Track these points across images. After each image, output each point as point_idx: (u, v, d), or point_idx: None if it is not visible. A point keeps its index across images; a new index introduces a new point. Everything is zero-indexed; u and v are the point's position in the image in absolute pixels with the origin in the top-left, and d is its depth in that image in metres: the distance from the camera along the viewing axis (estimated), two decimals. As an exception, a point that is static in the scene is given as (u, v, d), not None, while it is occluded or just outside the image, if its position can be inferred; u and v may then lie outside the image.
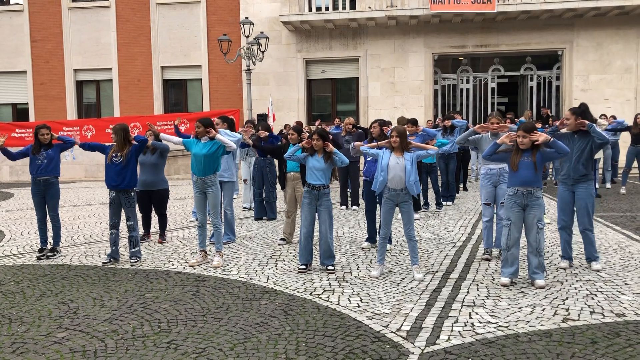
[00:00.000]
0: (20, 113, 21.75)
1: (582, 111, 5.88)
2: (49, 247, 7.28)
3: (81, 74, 21.24)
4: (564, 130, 5.94)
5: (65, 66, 21.04)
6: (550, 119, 13.74)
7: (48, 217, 7.25)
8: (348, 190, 10.93)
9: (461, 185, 13.37)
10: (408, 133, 6.42)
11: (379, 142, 6.27)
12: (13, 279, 6.10)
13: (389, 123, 7.87)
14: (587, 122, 5.73)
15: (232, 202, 8.09)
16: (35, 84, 21.22)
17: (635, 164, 12.34)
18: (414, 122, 9.24)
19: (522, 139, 5.33)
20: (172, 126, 17.01)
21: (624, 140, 14.31)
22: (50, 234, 7.29)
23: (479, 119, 19.07)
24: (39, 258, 7.08)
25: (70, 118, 20.72)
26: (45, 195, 7.14)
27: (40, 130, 7.13)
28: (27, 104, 21.43)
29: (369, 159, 7.23)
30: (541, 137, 5.31)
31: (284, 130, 10.75)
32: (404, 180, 5.78)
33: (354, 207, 10.62)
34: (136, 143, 6.80)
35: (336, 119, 15.73)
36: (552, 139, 5.36)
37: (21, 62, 21.23)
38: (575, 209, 6.00)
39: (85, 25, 20.87)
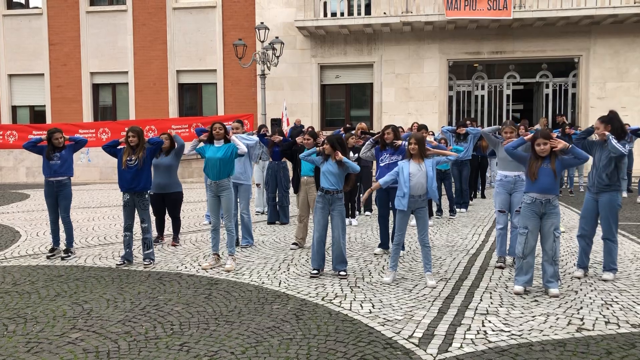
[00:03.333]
0: (37, 115, 22.02)
1: (610, 118, 5.77)
2: (60, 247, 7.37)
3: (97, 77, 21.47)
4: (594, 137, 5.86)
5: (82, 69, 21.28)
6: (567, 127, 13.61)
7: (60, 219, 7.34)
8: (361, 195, 10.90)
9: (479, 192, 13.30)
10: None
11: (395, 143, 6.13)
12: (28, 279, 6.16)
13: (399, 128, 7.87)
14: (607, 133, 5.65)
15: (249, 205, 8.11)
16: (53, 87, 21.48)
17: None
18: (420, 127, 9.22)
19: (543, 147, 5.30)
20: (189, 130, 17.13)
21: (641, 148, 14.15)
22: (63, 235, 7.37)
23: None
24: (48, 257, 7.17)
25: (86, 120, 20.92)
26: (58, 196, 7.23)
27: (54, 135, 7.19)
28: (44, 106, 21.70)
29: (381, 164, 7.21)
30: (560, 144, 5.28)
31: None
32: (425, 186, 5.77)
33: (367, 213, 10.60)
34: (150, 145, 6.86)
35: (348, 125, 15.67)
36: (570, 146, 5.32)
37: (39, 65, 21.51)
38: (598, 218, 5.92)
39: (102, 29, 21.10)
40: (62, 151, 7.22)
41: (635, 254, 7.06)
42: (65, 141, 7.32)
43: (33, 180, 20.13)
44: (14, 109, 22.18)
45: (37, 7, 21.69)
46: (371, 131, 11.58)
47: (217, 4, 20.33)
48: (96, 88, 21.66)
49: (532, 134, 5.65)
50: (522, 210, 5.51)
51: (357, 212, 10.35)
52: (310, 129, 9.10)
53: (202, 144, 6.86)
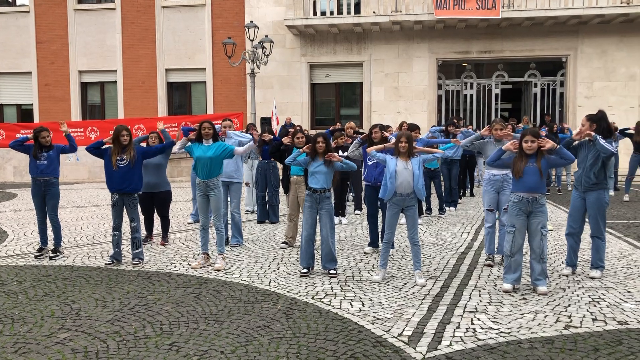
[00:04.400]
0: (24, 114, 21.84)
1: (599, 118, 5.80)
2: (48, 247, 7.31)
3: (86, 75, 21.34)
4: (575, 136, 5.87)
5: (70, 68, 21.13)
6: (555, 126, 13.72)
7: (48, 218, 7.28)
8: (351, 195, 10.92)
9: (467, 191, 13.37)
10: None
11: (385, 145, 6.25)
12: (16, 279, 6.11)
13: (388, 127, 7.90)
14: (593, 133, 5.67)
15: (240, 204, 8.10)
16: (40, 85, 21.32)
17: (638, 171, 12.33)
18: (413, 127, 9.23)
19: (531, 144, 5.33)
20: (178, 129, 17.06)
21: (628, 147, 14.32)
22: (51, 235, 7.31)
23: (482, 125, 19.08)
24: (36, 257, 7.12)
25: (75, 119, 20.78)
26: (45, 196, 7.16)
27: (41, 134, 7.12)
28: (31, 104, 21.53)
29: (369, 163, 7.23)
30: (548, 143, 5.32)
31: (250, 131, 10.69)
32: (412, 185, 5.79)
33: (357, 212, 10.61)
34: (143, 147, 6.84)
35: (338, 124, 15.70)
36: (558, 146, 5.36)
37: (26, 63, 21.33)
38: (586, 215, 5.97)
39: (90, 27, 20.96)
40: (49, 151, 7.15)
41: (622, 252, 7.13)
42: (65, 141, 7.25)
43: (20, 179, 19.96)
44: (1, 107, 21.99)
45: (24, 5, 21.51)
46: (360, 130, 11.60)
47: (206, 2, 20.27)
48: (84, 86, 21.52)
49: (519, 132, 5.68)
50: (510, 208, 5.54)
51: (356, 212, 10.38)
52: (298, 128, 9.08)
53: (189, 143, 6.82)
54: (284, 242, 7.70)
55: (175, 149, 7.16)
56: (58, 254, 7.19)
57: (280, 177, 9.86)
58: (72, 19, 21.03)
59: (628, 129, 12.74)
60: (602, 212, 5.86)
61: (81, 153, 19.07)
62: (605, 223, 5.96)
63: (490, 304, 5.02)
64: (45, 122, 17.64)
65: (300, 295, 5.34)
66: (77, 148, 7.55)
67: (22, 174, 19.92)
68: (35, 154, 7.09)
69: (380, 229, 7.25)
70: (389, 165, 5.86)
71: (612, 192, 13.29)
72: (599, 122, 5.77)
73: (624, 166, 13.49)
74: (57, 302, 5.21)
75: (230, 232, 7.90)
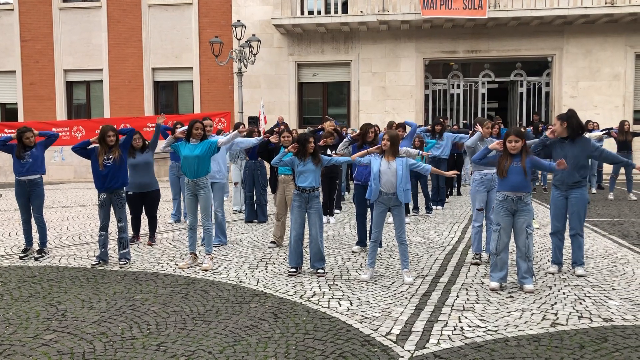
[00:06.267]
0: (9, 113, 21.59)
1: (569, 117, 5.91)
2: (34, 247, 7.24)
3: (71, 74, 21.13)
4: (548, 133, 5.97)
5: (55, 66, 20.92)
6: (540, 125, 13.83)
7: (33, 218, 7.21)
8: (342, 193, 10.91)
9: (454, 190, 13.44)
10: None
11: (369, 150, 6.23)
12: (0, 280, 6.04)
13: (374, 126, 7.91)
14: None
15: (223, 204, 8.08)
16: (25, 84, 21.09)
17: (622, 170, 12.47)
18: (399, 126, 9.25)
19: (515, 144, 5.38)
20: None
21: (612, 146, 14.46)
22: (36, 235, 7.24)
23: (469, 124, 19.17)
24: (21, 258, 7.05)
25: (60, 119, 20.58)
26: (30, 196, 7.09)
27: (24, 134, 7.04)
28: (16, 104, 21.28)
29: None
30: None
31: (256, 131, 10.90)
32: (395, 184, 5.80)
33: (337, 211, 10.53)
34: (122, 137, 6.78)
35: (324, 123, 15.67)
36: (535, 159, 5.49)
37: (10, 62, 21.09)
38: (567, 213, 6.03)
39: (76, 25, 20.77)
40: (32, 149, 7.08)
41: (607, 250, 7.20)
42: (36, 138, 7.18)
43: (5, 179, 19.74)
44: (-15, 106, 21.73)
45: (7, 3, 21.26)
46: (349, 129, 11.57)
47: (193, 1, 20.18)
48: (70, 86, 21.32)
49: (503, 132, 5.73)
50: (495, 207, 5.60)
51: (336, 211, 10.36)
52: (283, 127, 9.06)
53: (175, 141, 6.78)
54: (272, 242, 7.68)
55: (160, 147, 7.10)
56: (43, 254, 7.13)
57: (268, 176, 9.86)
58: (57, 17, 20.82)
59: (611, 128, 12.88)
60: (585, 209, 5.99)
61: (67, 153, 18.99)
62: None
63: (477, 302, 5.04)
64: (30, 122, 17.47)
65: (289, 295, 5.34)
66: (56, 134, 7.46)
67: (6, 174, 19.69)
68: (18, 153, 7.02)
69: (368, 228, 7.27)
70: (373, 166, 5.88)
71: (594, 190, 13.44)
72: (569, 119, 5.88)
73: (608, 165, 13.63)
74: (43, 303, 5.16)
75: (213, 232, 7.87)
